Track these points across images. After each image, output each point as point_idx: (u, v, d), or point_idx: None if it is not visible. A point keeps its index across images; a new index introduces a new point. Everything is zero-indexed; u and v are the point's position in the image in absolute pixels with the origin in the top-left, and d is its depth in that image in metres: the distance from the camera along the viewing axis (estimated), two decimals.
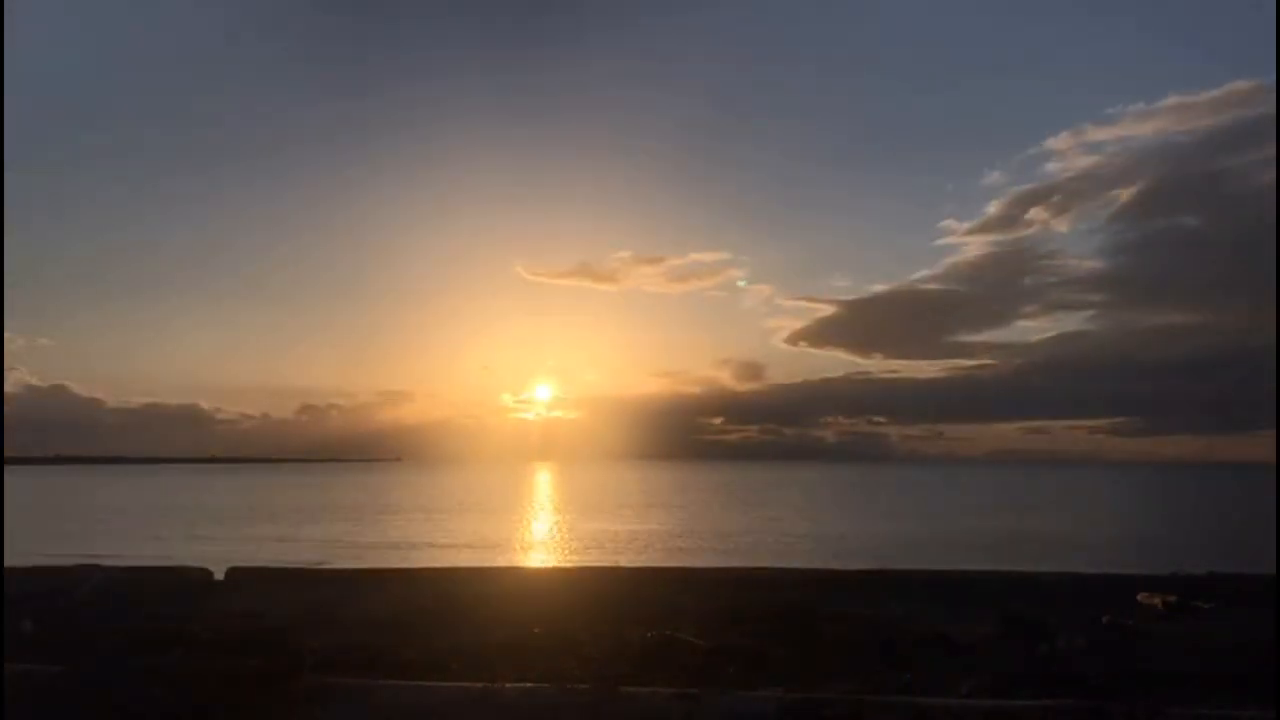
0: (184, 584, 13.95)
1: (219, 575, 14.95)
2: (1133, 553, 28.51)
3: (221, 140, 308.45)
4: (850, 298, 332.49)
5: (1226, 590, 12.81)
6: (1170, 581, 13.64)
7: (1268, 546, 23.96)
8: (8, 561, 13.79)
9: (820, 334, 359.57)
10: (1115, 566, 20.97)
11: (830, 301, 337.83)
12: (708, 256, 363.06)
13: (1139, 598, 11.93)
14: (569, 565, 20.31)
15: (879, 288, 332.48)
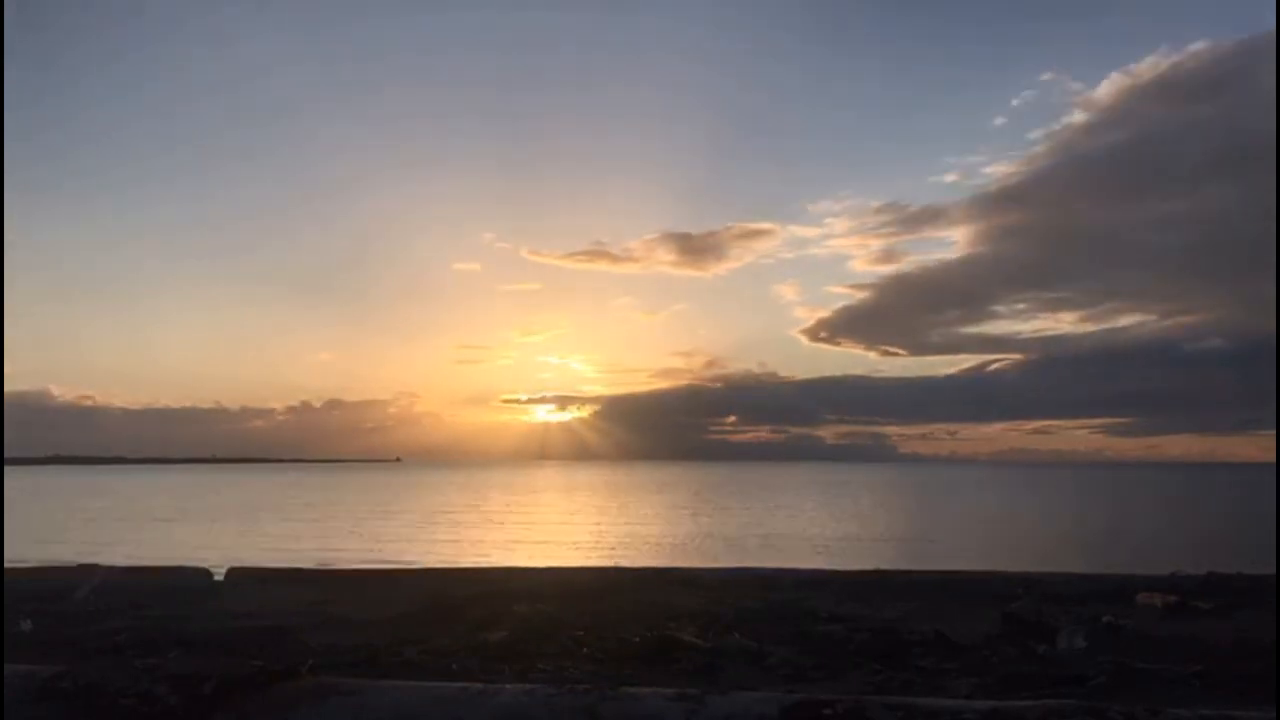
0: (184, 584, 13.95)
1: (219, 575, 14.95)
2: (1133, 553, 28.49)
3: (221, 138, 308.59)
4: (877, 281, 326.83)
5: (1226, 590, 12.79)
6: (1170, 581, 13.63)
7: (1268, 546, 23.96)
8: (8, 561, 13.79)
9: (841, 326, 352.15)
10: (1115, 566, 20.94)
11: (856, 287, 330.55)
12: (734, 235, 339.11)
13: (1139, 598, 11.91)
14: (569, 565, 20.30)
15: (905, 268, 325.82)
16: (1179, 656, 8.30)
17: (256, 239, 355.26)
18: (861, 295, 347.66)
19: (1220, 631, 9.77)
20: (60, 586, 12.85)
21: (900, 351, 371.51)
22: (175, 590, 13.24)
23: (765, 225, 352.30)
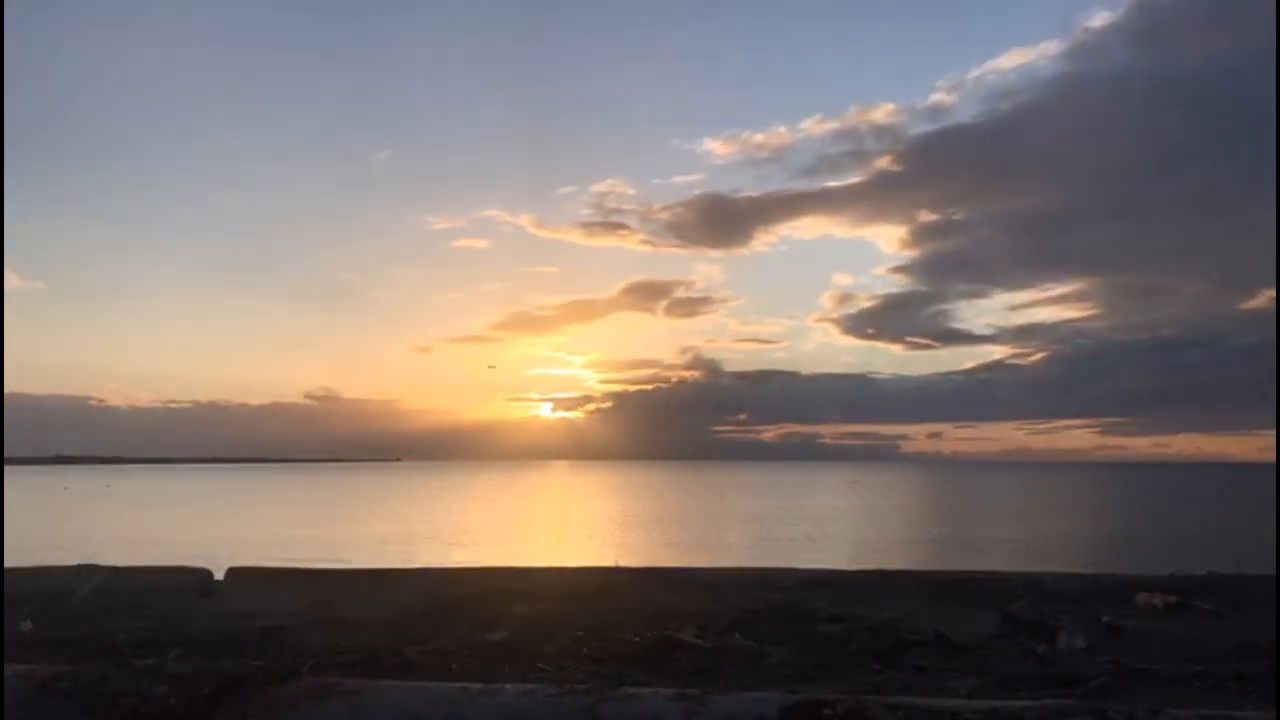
0: (184, 584, 13.94)
1: (219, 575, 14.94)
2: (1133, 553, 28.50)
3: (221, 139, 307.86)
4: (907, 265, 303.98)
5: (1226, 590, 12.80)
6: (1170, 581, 13.63)
7: (1268, 546, 23.96)
8: (8, 561, 13.78)
9: (868, 316, 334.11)
10: (1115, 566, 20.96)
11: (893, 270, 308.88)
12: (764, 204, 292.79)
13: (1139, 598, 11.92)
14: (569, 565, 20.30)
15: (938, 250, 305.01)
16: (1179, 656, 8.30)
17: (255, 238, 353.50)
18: (893, 280, 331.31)
19: (1220, 631, 9.77)
20: (60, 586, 12.84)
21: (931, 343, 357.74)
22: (175, 590, 13.23)
23: (801, 188, 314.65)
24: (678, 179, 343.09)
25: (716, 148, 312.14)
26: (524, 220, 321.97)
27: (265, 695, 2.90)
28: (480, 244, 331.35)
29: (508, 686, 2.92)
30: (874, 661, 8.30)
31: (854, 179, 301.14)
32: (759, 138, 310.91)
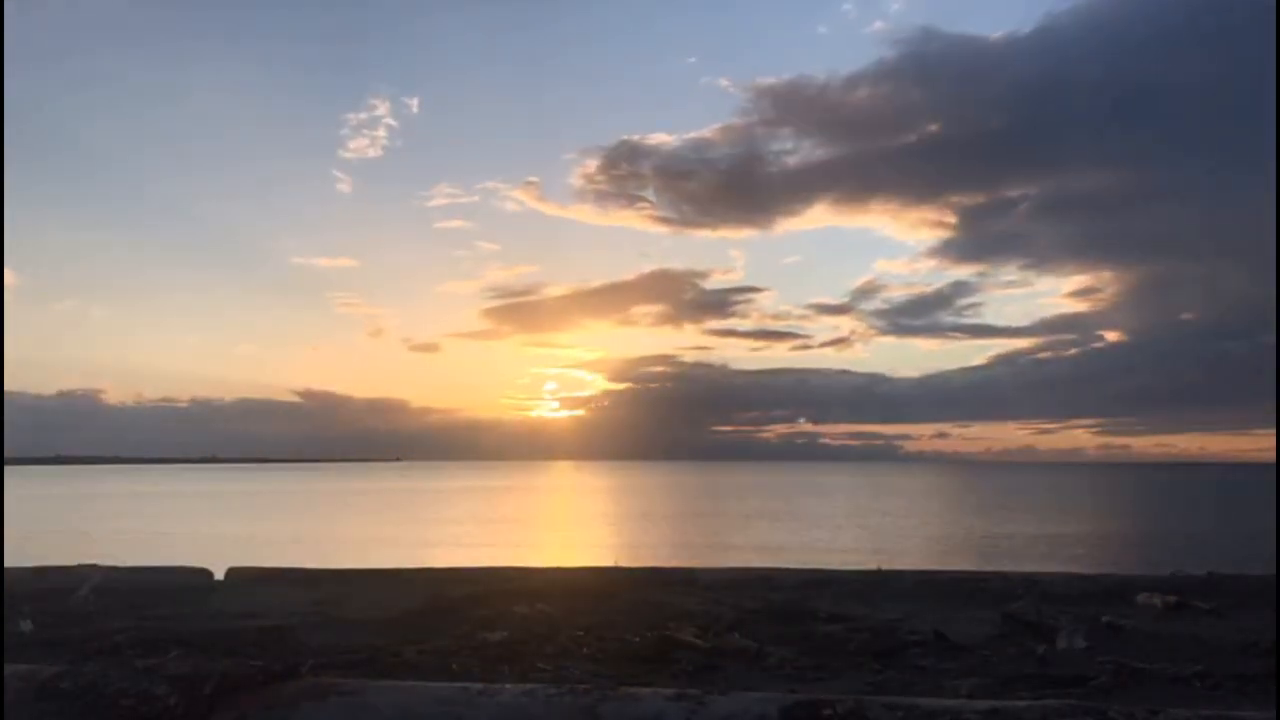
0: (184, 584, 13.92)
1: (219, 575, 14.93)
2: (1133, 553, 28.51)
3: (214, 136, 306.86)
4: (934, 250, 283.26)
5: (1226, 590, 12.79)
6: (1170, 581, 13.62)
7: (1268, 546, 23.95)
8: (8, 561, 13.77)
9: (891, 314, 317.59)
10: (1115, 566, 20.98)
11: (926, 256, 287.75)
12: (804, 171, 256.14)
13: (1139, 598, 11.91)
14: (569, 565, 20.31)
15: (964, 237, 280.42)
16: (1179, 656, 8.30)
17: (253, 237, 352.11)
18: (925, 268, 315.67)
19: (1220, 631, 9.77)
20: (60, 586, 12.83)
21: (956, 336, 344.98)
22: (175, 590, 13.22)
23: (842, 153, 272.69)
24: (703, 135, 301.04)
25: (746, 96, 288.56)
26: (525, 194, 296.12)
27: (265, 695, 2.90)
28: (479, 227, 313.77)
29: (508, 686, 2.92)
30: (874, 661, 8.30)
31: (898, 145, 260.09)
32: (798, 81, 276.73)
